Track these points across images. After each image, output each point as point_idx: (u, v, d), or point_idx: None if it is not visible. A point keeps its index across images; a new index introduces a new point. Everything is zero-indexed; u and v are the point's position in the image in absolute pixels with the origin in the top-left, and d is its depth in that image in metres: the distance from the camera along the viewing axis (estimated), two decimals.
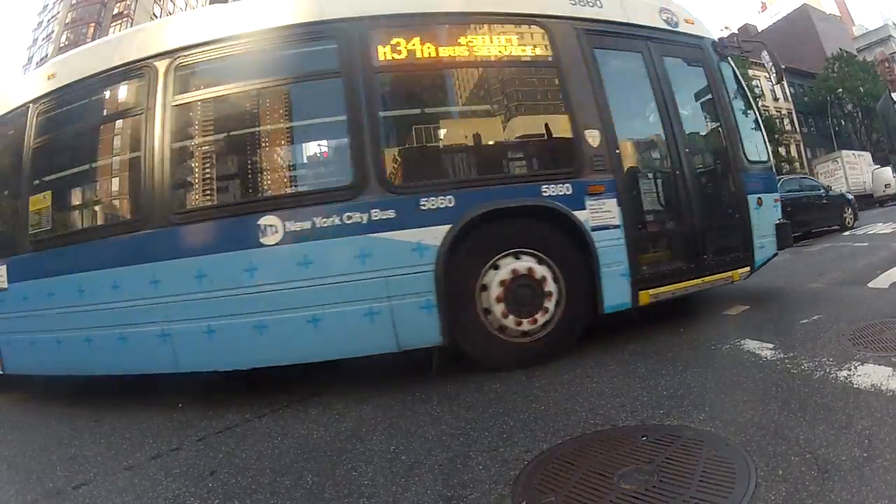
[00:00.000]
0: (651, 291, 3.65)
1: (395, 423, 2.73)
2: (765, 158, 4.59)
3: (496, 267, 3.36)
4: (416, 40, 3.45)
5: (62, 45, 44.28)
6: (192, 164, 3.57)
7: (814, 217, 11.94)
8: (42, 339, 3.58)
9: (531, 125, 3.90)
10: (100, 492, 2.30)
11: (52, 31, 47.25)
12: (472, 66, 3.74)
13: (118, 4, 46.51)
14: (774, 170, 4.92)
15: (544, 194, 3.42)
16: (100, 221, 3.83)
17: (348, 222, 3.14)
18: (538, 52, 3.69)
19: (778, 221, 4.48)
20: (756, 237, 4.19)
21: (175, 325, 3.19)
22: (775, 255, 4.45)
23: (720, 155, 4.34)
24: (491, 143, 3.86)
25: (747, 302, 4.34)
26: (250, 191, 3.53)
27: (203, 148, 3.55)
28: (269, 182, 3.57)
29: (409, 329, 3.18)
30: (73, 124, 3.91)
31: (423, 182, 3.37)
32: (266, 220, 3.14)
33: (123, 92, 3.77)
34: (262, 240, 3.12)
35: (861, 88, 38.35)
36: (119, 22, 45.01)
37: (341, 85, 3.36)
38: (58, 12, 47.86)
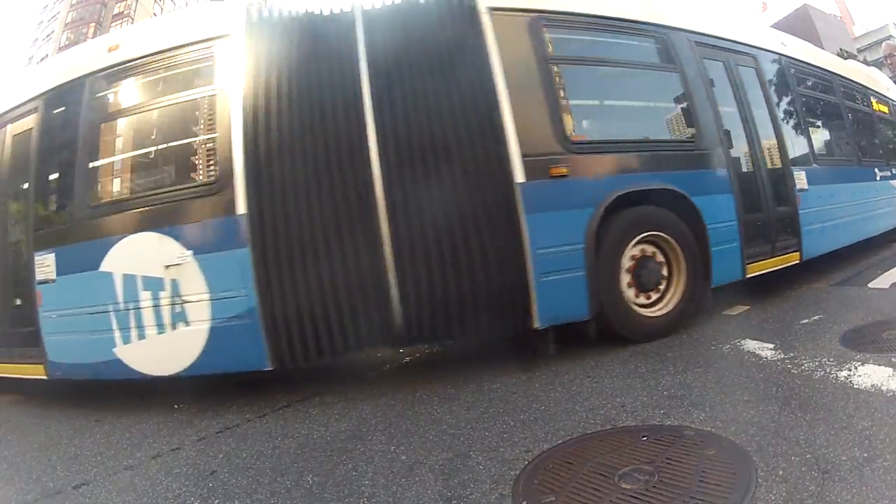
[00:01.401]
0: None
1: (395, 423, 2.73)
2: None
3: None
4: None
5: (62, 44, 44.28)
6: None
7: None
8: (827, 226, 5.37)
9: None
10: (100, 491, 2.31)
11: (53, 31, 47.22)
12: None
13: (118, 4, 46.47)
14: None
15: None
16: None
17: (885, 174, 6.61)
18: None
19: None
20: None
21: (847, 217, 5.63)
22: None
23: None
24: None
25: (747, 302, 4.33)
26: (865, 152, 6.69)
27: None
28: (877, 149, 7.04)
29: None
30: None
31: None
32: (877, 169, 6.50)
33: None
34: (877, 177, 6.44)
35: None
36: (119, 22, 44.99)
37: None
38: (58, 12, 47.85)
